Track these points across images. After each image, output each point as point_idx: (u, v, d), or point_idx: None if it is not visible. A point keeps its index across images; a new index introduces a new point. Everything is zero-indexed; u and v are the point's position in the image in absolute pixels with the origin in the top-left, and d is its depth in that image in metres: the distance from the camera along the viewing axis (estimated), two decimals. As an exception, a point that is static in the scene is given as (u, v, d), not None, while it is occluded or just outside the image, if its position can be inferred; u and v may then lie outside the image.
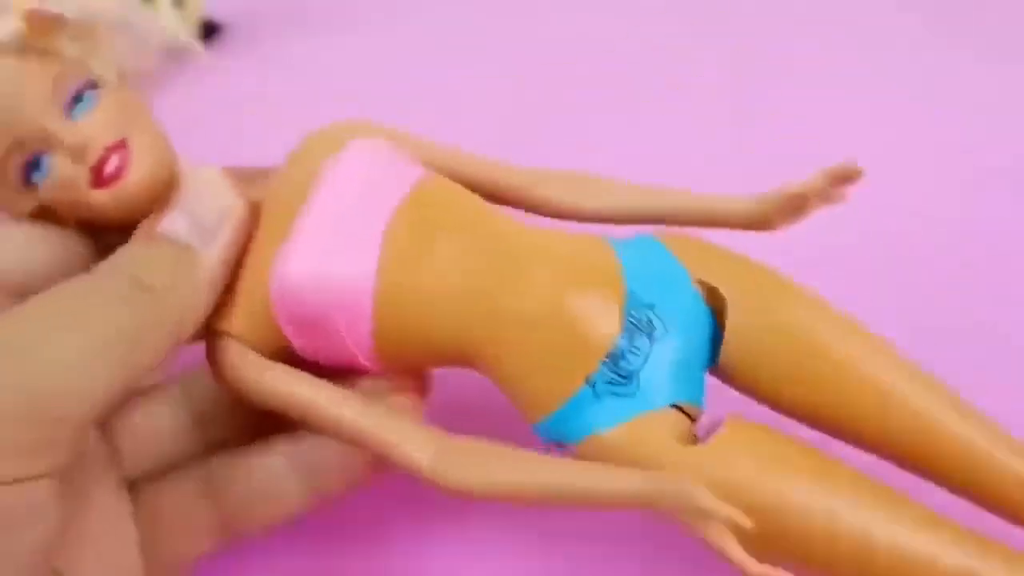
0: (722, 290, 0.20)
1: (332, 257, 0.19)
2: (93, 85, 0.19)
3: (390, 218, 0.19)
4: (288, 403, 0.19)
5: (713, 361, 0.20)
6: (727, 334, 0.19)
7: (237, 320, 0.20)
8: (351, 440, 0.19)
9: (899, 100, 0.40)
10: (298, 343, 0.20)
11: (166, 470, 0.20)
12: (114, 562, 0.18)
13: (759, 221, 0.21)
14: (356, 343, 0.19)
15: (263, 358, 0.20)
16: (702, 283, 0.20)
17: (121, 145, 0.19)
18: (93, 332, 0.15)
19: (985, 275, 0.30)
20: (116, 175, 0.19)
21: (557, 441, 0.19)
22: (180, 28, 0.47)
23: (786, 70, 0.43)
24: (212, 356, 0.20)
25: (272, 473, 0.20)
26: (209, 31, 0.49)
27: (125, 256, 0.18)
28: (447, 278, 0.19)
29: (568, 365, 0.18)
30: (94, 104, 0.19)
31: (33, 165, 0.19)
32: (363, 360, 0.20)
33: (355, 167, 0.20)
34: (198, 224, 0.18)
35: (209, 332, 0.20)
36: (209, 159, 0.21)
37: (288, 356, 0.20)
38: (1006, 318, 0.29)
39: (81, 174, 0.19)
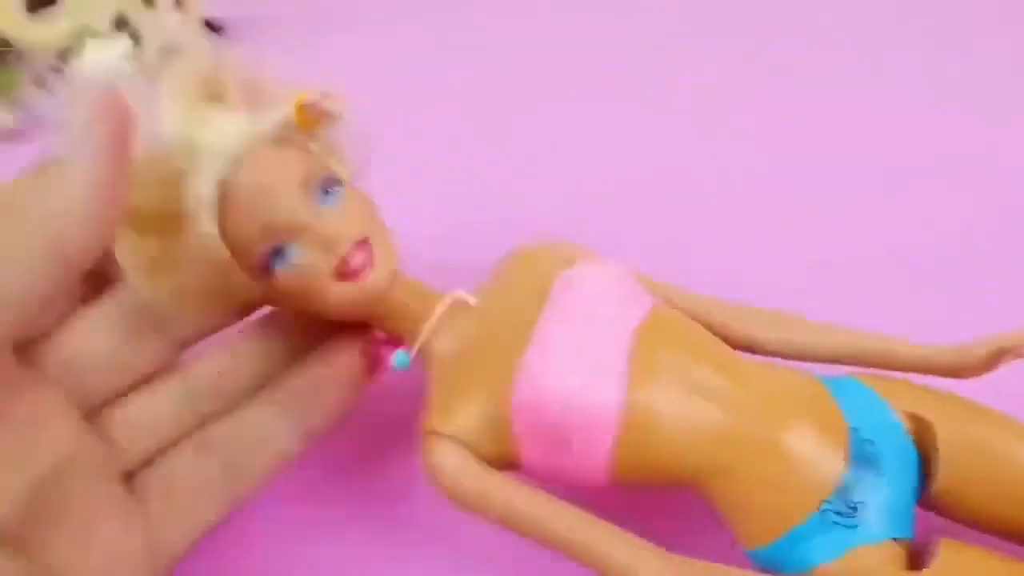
0: (929, 419, 0.20)
1: (583, 377, 0.19)
2: (338, 182, 0.20)
3: (632, 341, 0.20)
4: (509, 515, 0.19)
5: (920, 492, 0.20)
6: (939, 462, 0.20)
7: (462, 423, 0.20)
8: (576, 558, 0.19)
9: (900, 100, 0.40)
10: (529, 455, 0.19)
11: (166, 449, 0.20)
12: (116, 553, 0.17)
13: (960, 370, 0.21)
14: (590, 460, 0.19)
15: (484, 464, 0.19)
16: (907, 416, 0.20)
17: (365, 243, 0.19)
18: None
19: (995, 277, 0.31)
20: (360, 270, 0.19)
21: (772, 568, 0.19)
22: (180, 28, 0.47)
23: (786, 69, 0.43)
24: (429, 456, 0.20)
25: (261, 419, 0.20)
26: (209, 31, 0.49)
27: None
28: (686, 406, 0.19)
29: (798, 495, 0.19)
30: (338, 200, 0.20)
31: (278, 253, 0.19)
32: (591, 476, 0.19)
33: (596, 285, 0.20)
34: (66, 136, 0.16)
35: (427, 432, 0.20)
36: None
37: (505, 464, 0.20)
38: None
39: (327, 265, 0.19)
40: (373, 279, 0.20)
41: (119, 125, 0.16)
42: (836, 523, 0.18)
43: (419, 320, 0.21)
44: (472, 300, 0.21)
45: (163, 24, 0.47)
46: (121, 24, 0.46)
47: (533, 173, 0.37)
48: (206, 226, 0.18)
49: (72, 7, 0.44)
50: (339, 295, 0.19)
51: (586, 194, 0.36)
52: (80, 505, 0.17)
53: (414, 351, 0.21)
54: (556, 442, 0.19)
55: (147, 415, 0.20)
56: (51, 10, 0.44)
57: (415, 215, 0.26)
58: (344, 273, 0.19)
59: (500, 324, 0.21)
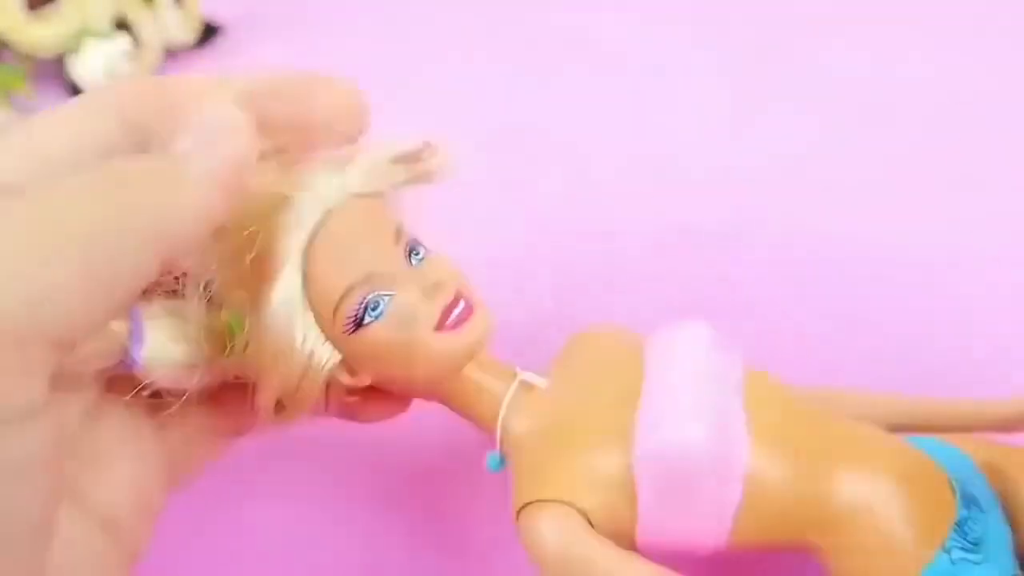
0: (1003, 466, 0.20)
1: (712, 428, 0.18)
2: (419, 240, 0.19)
3: (743, 398, 0.19)
4: None
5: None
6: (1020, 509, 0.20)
7: (567, 489, 0.19)
8: None
9: (905, 97, 0.41)
10: (646, 517, 0.19)
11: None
12: (138, 478, 0.18)
13: (1012, 425, 0.22)
14: (717, 513, 0.19)
15: (596, 533, 0.18)
16: (985, 466, 0.21)
17: (461, 296, 0.19)
18: (49, 233, 0.13)
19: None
20: (462, 320, 0.18)
21: None
22: (180, 28, 0.47)
23: (787, 66, 0.43)
24: (533, 528, 0.19)
25: None
26: (209, 31, 0.49)
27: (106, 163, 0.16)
28: (799, 459, 0.19)
29: (919, 539, 0.19)
30: (425, 258, 0.19)
31: (371, 304, 0.18)
32: (711, 535, 0.19)
33: (697, 341, 0.20)
34: (197, 138, 0.16)
35: (526, 505, 0.19)
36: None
37: (615, 535, 0.19)
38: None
39: (430, 315, 0.18)
40: (477, 328, 0.19)
41: (242, 150, 0.16)
42: (964, 559, 0.18)
43: (495, 400, 0.20)
44: (540, 382, 0.21)
45: (163, 24, 0.47)
46: (121, 24, 0.46)
47: (533, 172, 0.37)
48: (292, 280, 0.18)
49: (72, 7, 0.44)
50: (443, 348, 0.18)
51: (586, 191, 0.36)
52: (118, 439, 0.18)
53: (498, 438, 0.20)
54: (683, 496, 0.18)
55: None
56: (51, 10, 0.44)
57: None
58: (447, 323, 0.18)
59: (592, 393, 0.20)
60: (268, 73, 0.18)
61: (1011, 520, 0.20)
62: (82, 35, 0.44)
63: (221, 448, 0.21)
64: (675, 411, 0.19)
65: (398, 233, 0.19)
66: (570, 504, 0.18)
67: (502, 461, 0.21)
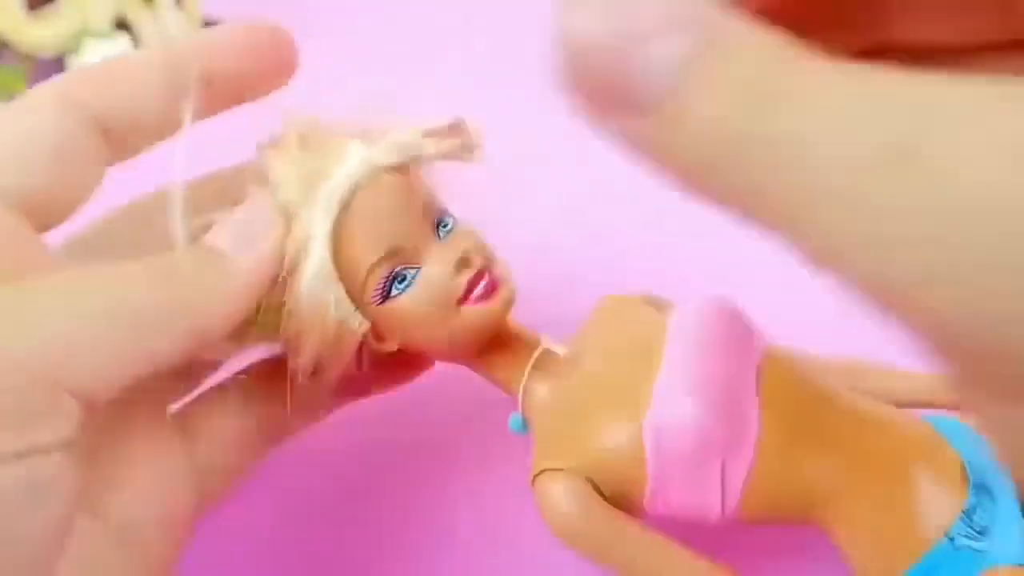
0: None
1: (725, 402, 0.19)
2: (448, 212, 0.20)
3: (757, 377, 0.20)
4: (626, 558, 0.19)
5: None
6: None
7: (581, 457, 0.19)
8: None
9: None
10: (655, 486, 0.19)
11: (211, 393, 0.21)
12: (161, 500, 0.18)
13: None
14: (725, 485, 0.19)
15: (605, 503, 0.19)
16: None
17: (486, 270, 0.19)
18: (101, 304, 0.15)
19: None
20: (486, 295, 0.19)
21: None
22: (180, 28, 0.47)
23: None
24: (547, 493, 0.19)
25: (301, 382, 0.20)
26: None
27: (157, 253, 0.18)
28: (812, 437, 0.19)
29: (925, 523, 0.19)
30: (453, 231, 0.20)
31: (398, 277, 0.19)
32: (717, 507, 0.19)
33: (720, 315, 0.20)
34: (237, 234, 0.18)
35: (541, 472, 0.19)
36: (209, 158, 0.21)
37: (625, 503, 0.19)
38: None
39: (456, 287, 0.19)
40: (501, 302, 0.19)
41: (276, 247, 0.18)
42: (967, 547, 0.18)
43: (520, 366, 0.21)
44: (560, 350, 0.21)
45: (163, 24, 0.47)
46: (121, 24, 0.46)
47: (534, 171, 0.37)
48: (321, 253, 0.18)
49: (72, 7, 0.44)
50: (468, 321, 0.19)
51: (586, 191, 0.36)
52: (140, 456, 0.18)
53: (520, 402, 0.21)
54: (692, 468, 0.19)
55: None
56: (51, 10, 0.44)
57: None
58: (472, 296, 0.19)
59: (613, 362, 0.20)
60: (201, 35, 0.20)
61: None
62: (82, 35, 0.44)
63: (252, 459, 0.21)
64: (685, 384, 0.19)
65: (426, 207, 0.20)
66: (582, 473, 0.19)
67: (524, 424, 0.21)
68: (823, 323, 0.25)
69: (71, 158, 0.18)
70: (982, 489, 0.19)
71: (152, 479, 0.18)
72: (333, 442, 0.25)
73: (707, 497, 0.19)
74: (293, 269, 0.18)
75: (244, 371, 0.21)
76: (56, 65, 0.45)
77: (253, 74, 0.20)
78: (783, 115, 0.09)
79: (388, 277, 0.19)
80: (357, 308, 0.19)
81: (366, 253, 0.19)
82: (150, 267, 0.17)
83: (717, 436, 0.18)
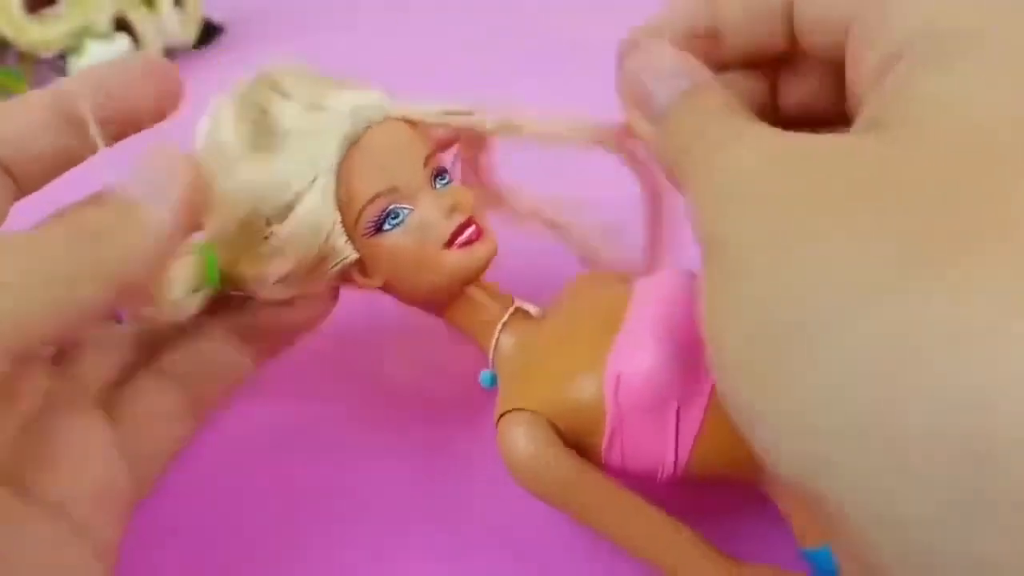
0: None
1: (681, 352, 0.19)
2: (446, 171, 0.21)
3: None
4: (583, 502, 0.19)
5: None
6: None
7: (541, 399, 0.20)
8: (636, 555, 0.19)
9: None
10: (613, 431, 0.19)
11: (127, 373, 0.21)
12: (105, 478, 0.18)
13: None
14: (679, 435, 0.19)
15: (563, 444, 0.20)
16: None
17: (473, 221, 0.21)
18: (24, 265, 0.16)
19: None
20: (472, 239, 0.20)
21: (829, 566, 0.19)
22: (180, 28, 0.47)
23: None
24: (507, 432, 0.20)
25: (221, 351, 0.21)
26: (209, 31, 0.49)
27: (72, 207, 0.19)
28: None
29: None
30: (449, 184, 0.21)
31: (392, 213, 0.20)
32: (670, 458, 0.20)
33: (679, 281, 0.21)
34: (148, 185, 0.18)
35: (504, 412, 0.20)
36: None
37: (581, 448, 0.20)
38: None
39: (444, 230, 0.20)
40: (483, 250, 0.21)
41: (194, 192, 0.18)
42: None
43: (493, 320, 0.22)
44: (534, 311, 0.22)
45: (163, 24, 0.47)
46: (121, 24, 0.46)
47: (532, 171, 0.37)
48: (327, 180, 0.20)
49: (72, 7, 0.44)
50: (451, 263, 0.20)
51: (588, 190, 0.36)
52: (65, 437, 0.18)
53: (491, 357, 0.22)
54: (648, 414, 0.19)
55: (110, 338, 0.21)
56: (51, 10, 0.44)
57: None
58: (454, 240, 0.20)
59: (578, 321, 0.21)
60: (87, 72, 0.20)
61: None
62: (82, 36, 0.44)
63: (182, 433, 0.21)
64: (645, 335, 0.19)
65: (429, 158, 0.21)
66: (543, 415, 0.20)
67: (494, 379, 0.22)
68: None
69: None
70: None
71: (81, 456, 0.18)
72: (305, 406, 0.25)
73: (661, 446, 0.19)
74: (300, 194, 0.20)
75: (159, 336, 0.21)
76: (57, 66, 0.45)
77: (139, 107, 0.21)
78: (701, 144, 0.16)
79: (383, 212, 0.20)
80: (349, 239, 0.20)
81: (366, 186, 0.20)
82: (68, 224, 0.17)
83: (673, 383, 0.19)
